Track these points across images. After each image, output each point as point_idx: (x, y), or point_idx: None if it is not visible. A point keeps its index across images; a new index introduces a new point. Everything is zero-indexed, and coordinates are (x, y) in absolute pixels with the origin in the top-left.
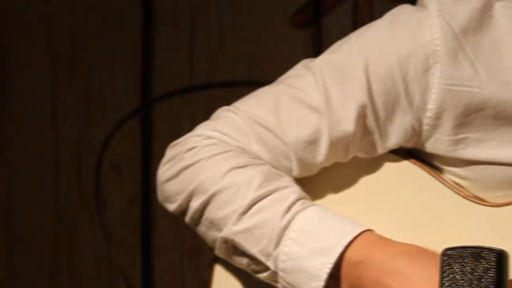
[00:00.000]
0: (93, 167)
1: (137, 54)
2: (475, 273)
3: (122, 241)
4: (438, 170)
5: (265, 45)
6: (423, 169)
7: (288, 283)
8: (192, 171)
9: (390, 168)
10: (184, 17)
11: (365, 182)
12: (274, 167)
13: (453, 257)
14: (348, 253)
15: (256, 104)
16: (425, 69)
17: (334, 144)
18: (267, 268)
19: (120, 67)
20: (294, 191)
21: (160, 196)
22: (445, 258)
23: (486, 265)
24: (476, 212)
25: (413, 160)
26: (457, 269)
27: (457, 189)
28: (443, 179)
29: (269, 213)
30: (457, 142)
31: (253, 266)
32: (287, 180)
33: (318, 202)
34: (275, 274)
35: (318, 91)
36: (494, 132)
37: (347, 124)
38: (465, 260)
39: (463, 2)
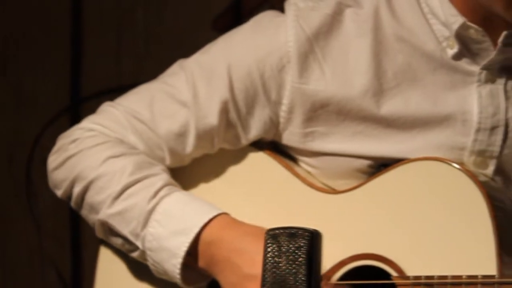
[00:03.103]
0: (25, 162)
1: (67, 56)
2: (290, 250)
3: (52, 232)
4: (294, 159)
5: (188, 47)
6: (276, 159)
7: (154, 260)
8: (74, 160)
9: (249, 159)
10: (111, 20)
11: (228, 171)
12: (149, 156)
13: (273, 236)
14: (204, 234)
15: (135, 100)
16: (280, 68)
17: (201, 136)
18: (137, 248)
19: (51, 68)
20: (162, 178)
21: (50, 183)
22: (267, 237)
23: (300, 243)
24: (317, 199)
25: (267, 152)
26: (276, 247)
27: (303, 178)
28: (292, 169)
29: (138, 198)
30: (306, 135)
31: (127, 246)
32: (158, 168)
33: (191, 189)
34: (144, 253)
35: (188, 88)
36: (338, 127)
37: (212, 118)
38: (283, 239)
39: (317, 8)
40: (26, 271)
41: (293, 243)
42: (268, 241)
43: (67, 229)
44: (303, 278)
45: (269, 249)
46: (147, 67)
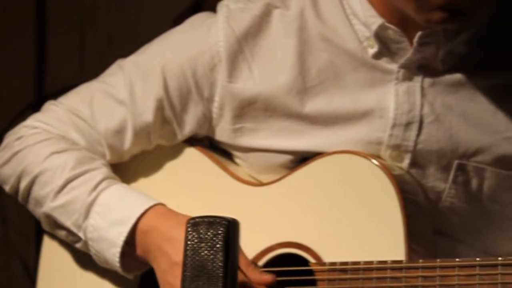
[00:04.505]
0: None
1: (31, 54)
2: (208, 237)
3: (17, 225)
4: (228, 154)
5: None
6: (206, 155)
7: (96, 250)
8: (20, 157)
9: (182, 155)
10: (74, 19)
11: (164, 167)
12: (90, 152)
13: (194, 225)
14: (140, 223)
15: (76, 99)
16: (211, 67)
17: (138, 133)
18: (80, 239)
19: (16, 66)
20: (102, 172)
21: None
22: (188, 226)
23: (218, 231)
24: (243, 191)
25: (199, 147)
26: (196, 234)
27: (231, 172)
28: (221, 163)
29: (79, 191)
30: (235, 130)
31: (70, 238)
32: (98, 163)
33: (131, 183)
34: (86, 243)
35: (125, 87)
36: (265, 123)
37: (147, 115)
38: (202, 227)
39: (247, 9)
40: None
41: (212, 230)
42: (189, 229)
43: (32, 222)
44: (220, 264)
45: (189, 237)
46: (109, 65)
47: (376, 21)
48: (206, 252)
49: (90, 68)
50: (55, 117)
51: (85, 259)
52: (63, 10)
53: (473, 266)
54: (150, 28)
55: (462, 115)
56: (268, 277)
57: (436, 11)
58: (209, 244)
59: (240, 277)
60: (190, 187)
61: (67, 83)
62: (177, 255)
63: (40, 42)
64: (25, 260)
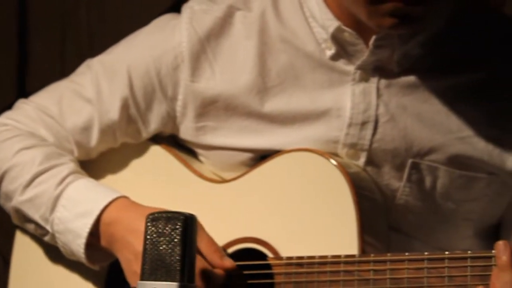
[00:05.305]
0: None
1: (13, 53)
2: (166, 232)
3: None
4: (193, 151)
5: None
6: (170, 152)
7: (63, 242)
8: None
9: (147, 153)
10: (55, 19)
11: (130, 164)
12: (58, 148)
13: (153, 220)
14: (104, 215)
15: (45, 97)
16: (174, 67)
17: (104, 130)
18: (47, 231)
19: None
20: (69, 167)
21: None
22: (147, 220)
23: (175, 226)
24: (205, 188)
25: (163, 145)
26: (155, 229)
27: (194, 169)
28: (184, 161)
29: (46, 185)
30: (198, 129)
31: (39, 231)
32: (66, 158)
33: (99, 180)
34: (53, 236)
35: (92, 85)
36: (226, 122)
37: (113, 113)
38: (160, 222)
39: (210, 11)
40: None
41: (170, 225)
42: (148, 224)
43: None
44: (177, 257)
45: (148, 231)
46: None
47: (333, 24)
48: (164, 246)
49: (71, 68)
50: (25, 115)
51: (55, 252)
52: (45, 10)
53: (421, 260)
54: (131, 28)
55: (416, 116)
56: (228, 263)
57: (387, 16)
58: (167, 238)
59: (201, 264)
60: (155, 184)
61: (48, 83)
62: (141, 245)
63: (21, 42)
64: (5, 255)
